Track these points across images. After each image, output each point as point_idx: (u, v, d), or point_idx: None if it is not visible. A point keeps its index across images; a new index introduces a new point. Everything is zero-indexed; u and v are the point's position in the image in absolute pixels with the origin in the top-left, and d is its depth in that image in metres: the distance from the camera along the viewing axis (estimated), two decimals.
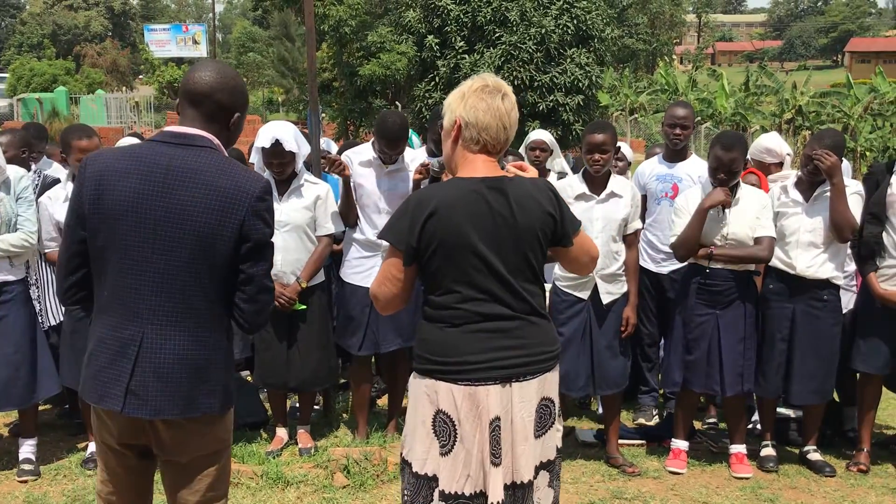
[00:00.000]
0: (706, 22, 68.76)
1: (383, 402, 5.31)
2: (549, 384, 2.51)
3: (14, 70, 37.33)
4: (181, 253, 2.26)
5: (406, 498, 2.49)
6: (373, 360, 4.98)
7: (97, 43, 50.61)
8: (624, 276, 4.25)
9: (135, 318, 2.28)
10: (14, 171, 4.14)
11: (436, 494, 2.41)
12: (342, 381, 5.39)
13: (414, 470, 2.46)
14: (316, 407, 5.02)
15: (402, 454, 2.54)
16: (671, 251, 4.33)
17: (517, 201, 2.43)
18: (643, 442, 4.69)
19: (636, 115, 30.91)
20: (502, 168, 2.54)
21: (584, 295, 4.18)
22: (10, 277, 4.05)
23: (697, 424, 4.80)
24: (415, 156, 4.56)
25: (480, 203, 2.39)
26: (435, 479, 2.41)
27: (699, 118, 27.57)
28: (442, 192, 2.43)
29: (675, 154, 4.95)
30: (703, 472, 4.33)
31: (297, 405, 4.73)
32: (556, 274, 4.28)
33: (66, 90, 28.87)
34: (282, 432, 4.55)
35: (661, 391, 5.21)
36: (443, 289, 2.41)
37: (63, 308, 4.26)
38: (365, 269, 4.49)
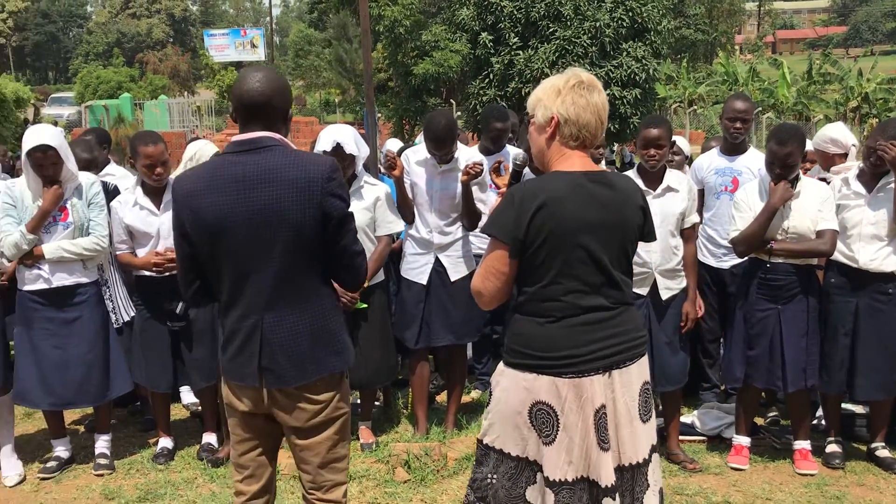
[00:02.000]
0: (767, 10, 67.24)
1: (442, 398, 5.37)
2: (645, 368, 2.59)
3: (81, 78, 38.54)
4: (277, 246, 2.53)
5: (491, 480, 2.53)
6: (431, 357, 5.05)
7: (159, 49, 51.86)
8: (682, 271, 4.22)
9: (254, 308, 2.58)
10: (86, 178, 4.31)
11: (538, 478, 2.47)
12: (400, 377, 5.47)
13: (508, 452, 2.51)
14: (376, 403, 5.10)
15: (483, 441, 2.58)
16: (731, 246, 4.29)
17: (619, 195, 2.49)
18: (704, 438, 4.66)
19: (695, 107, 30.40)
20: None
21: (643, 291, 4.17)
22: (84, 279, 4.23)
23: (759, 420, 4.75)
24: (470, 155, 4.60)
25: (586, 196, 2.43)
26: (537, 464, 2.47)
27: (760, 108, 26.98)
28: (548, 185, 2.45)
29: (734, 147, 4.89)
30: (766, 469, 4.28)
31: (359, 402, 4.82)
32: None
33: (130, 96, 29.70)
34: None
35: (722, 387, 5.15)
36: (545, 281, 2.43)
37: (132, 307, 4.41)
38: (419, 265, 4.57)
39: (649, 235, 2.60)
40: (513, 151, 5.14)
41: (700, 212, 4.95)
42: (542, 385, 2.44)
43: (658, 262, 4.14)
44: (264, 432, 2.74)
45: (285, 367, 2.58)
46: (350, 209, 2.64)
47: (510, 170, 2.83)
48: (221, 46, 42.65)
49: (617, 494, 2.43)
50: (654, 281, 4.16)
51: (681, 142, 5.57)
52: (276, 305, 2.57)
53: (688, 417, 4.78)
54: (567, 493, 2.42)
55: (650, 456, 2.55)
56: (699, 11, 35.04)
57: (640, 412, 2.52)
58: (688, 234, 4.25)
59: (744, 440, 4.34)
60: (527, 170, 3.02)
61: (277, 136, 2.58)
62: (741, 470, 4.25)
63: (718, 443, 4.59)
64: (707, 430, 4.68)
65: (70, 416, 4.92)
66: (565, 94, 2.47)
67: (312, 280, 2.62)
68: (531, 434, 2.47)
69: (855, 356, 4.13)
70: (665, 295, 4.17)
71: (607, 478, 2.43)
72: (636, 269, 4.08)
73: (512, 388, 2.49)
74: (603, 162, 5.32)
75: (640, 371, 2.55)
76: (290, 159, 2.55)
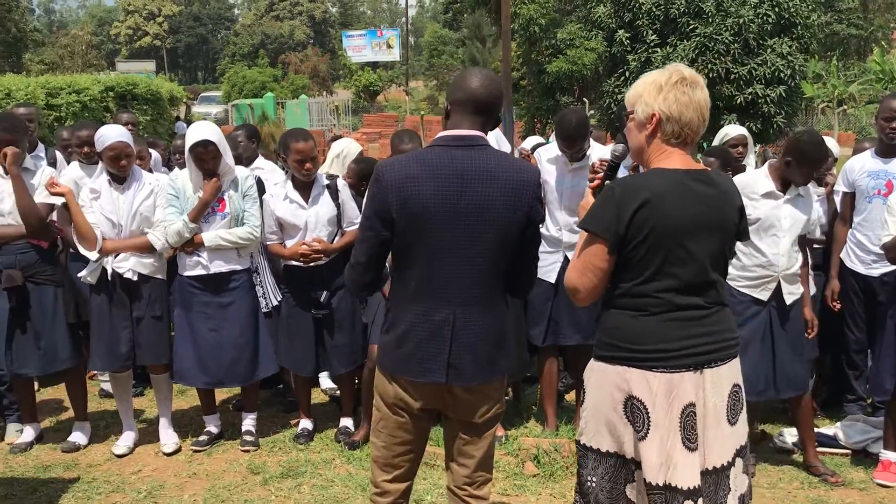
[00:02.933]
0: None
1: (571, 396, 5.38)
2: (736, 370, 2.54)
3: (228, 78, 40.58)
4: (483, 243, 2.55)
5: (591, 484, 2.51)
6: (560, 356, 5.08)
7: (300, 50, 53.87)
8: (799, 278, 4.14)
9: (446, 302, 2.58)
10: (241, 171, 4.59)
11: (637, 477, 2.44)
12: (529, 375, 5.52)
13: (606, 450, 2.49)
14: (506, 398, 5.17)
15: (581, 442, 2.56)
16: (882, 252, 4.09)
17: (720, 193, 2.47)
18: (848, 452, 4.46)
19: (845, 107, 28.79)
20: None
21: (764, 296, 4.06)
22: (238, 267, 4.51)
23: None
24: (604, 153, 4.59)
25: (689, 194, 2.41)
26: (635, 462, 2.44)
27: None
28: (651, 181, 2.43)
29: (890, 149, 4.64)
30: None
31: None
32: (732, 274, 4.16)
33: (273, 96, 31.04)
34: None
35: (869, 400, 4.92)
36: (643, 278, 2.42)
37: (279, 294, 4.66)
38: (548, 263, 4.59)
39: (744, 234, 2.59)
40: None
41: (850, 215, 4.76)
42: (634, 379, 2.42)
43: (784, 265, 4.02)
44: (424, 432, 2.78)
45: (469, 364, 2.60)
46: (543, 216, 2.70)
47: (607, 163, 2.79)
48: (359, 47, 43.89)
49: (700, 499, 2.37)
50: (777, 286, 4.04)
51: (829, 143, 5.33)
52: (469, 302, 2.58)
53: (830, 429, 4.60)
54: (658, 497, 2.38)
55: (734, 460, 2.50)
56: (853, 5, 33.13)
57: (727, 414, 2.48)
58: (806, 242, 4.23)
59: (893, 456, 4.14)
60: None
61: (486, 137, 2.63)
62: (889, 487, 4.06)
63: (864, 457, 4.40)
64: (852, 444, 4.48)
65: (220, 394, 5.24)
66: (667, 91, 2.43)
67: (501, 282, 2.66)
68: (627, 429, 2.45)
69: None
70: (789, 300, 4.07)
71: (691, 480, 2.37)
72: (761, 273, 4.02)
73: (604, 383, 2.49)
74: (750, 168, 5.17)
75: (730, 372, 2.51)
76: (505, 161, 2.60)
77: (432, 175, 2.52)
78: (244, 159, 5.34)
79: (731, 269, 4.12)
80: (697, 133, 2.47)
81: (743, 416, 2.56)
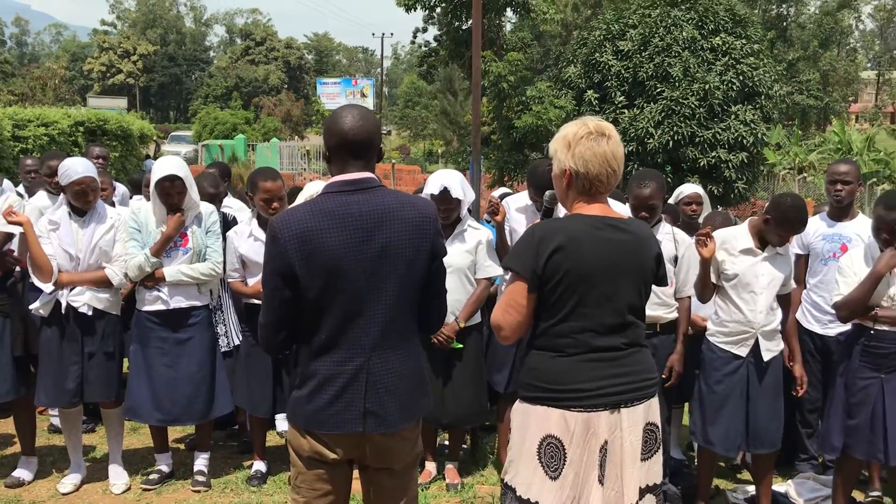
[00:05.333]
0: (886, 79, 65.09)
1: None
2: (653, 410, 2.63)
3: (200, 118, 40.58)
4: (392, 284, 2.52)
5: None
6: None
7: (274, 95, 54.16)
8: (779, 334, 4.19)
9: (360, 350, 2.52)
10: (205, 207, 4.59)
11: None
12: (488, 423, 5.50)
13: (518, 494, 2.57)
14: (463, 446, 5.15)
15: (504, 480, 2.65)
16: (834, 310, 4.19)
17: (635, 240, 2.58)
18: None
19: (805, 174, 29.55)
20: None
21: (742, 352, 4.13)
22: (198, 303, 4.48)
23: (859, 496, 4.56)
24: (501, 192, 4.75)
25: (603, 240, 2.53)
26: None
27: (874, 180, 26.01)
28: (569, 226, 2.56)
29: (841, 212, 4.79)
30: None
31: (447, 442, 4.88)
32: (711, 329, 4.25)
33: (244, 137, 31.10)
34: (431, 466, 4.71)
35: (820, 460, 4.98)
36: (559, 318, 2.53)
37: (240, 332, 4.63)
38: None
39: (662, 280, 2.69)
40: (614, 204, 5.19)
41: (803, 278, 4.87)
42: (553, 418, 2.51)
43: (762, 322, 4.09)
44: (346, 481, 2.68)
45: (391, 409, 2.55)
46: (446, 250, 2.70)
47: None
48: (333, 94, 44.25)
49: None
50: (755, 342, 4.11)
51: None
52: (382, 346, 2.53)
53: (782, 486, 4.64)
54: None
55: (644, 495, 2.59)
56: (813, 77, 34.27)
57: (641, 451, 2.58)
58: (787, 301, 4.27)
59: None
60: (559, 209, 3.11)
61: (377, 178, 2.57)
62: None
63: None
64: (802, 501, 4.52)
65: (173, 433, 5.15)
66: (574, 147, 2.55)
67: (413, 320, 2.64)
68: (539, 469, 2.54)
69: None
70: (767, 356, 4.12)
71: None
72: (738, 329, 4.10)
73: (526, 422, 2.57)
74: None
75: (647, 411, 2.60)
76: (402, 199, 2.57)
77: (333, 225, 2.45)
78: (219, 198, 5.34)
79: (709, 325, 4.23)
80: (609, 184, 2.59)
81: (658, 456, 2.64)
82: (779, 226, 4.03)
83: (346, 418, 2.52)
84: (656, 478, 2.64)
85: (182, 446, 5.24)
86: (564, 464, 2.50)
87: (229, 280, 4.60)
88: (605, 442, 2.51)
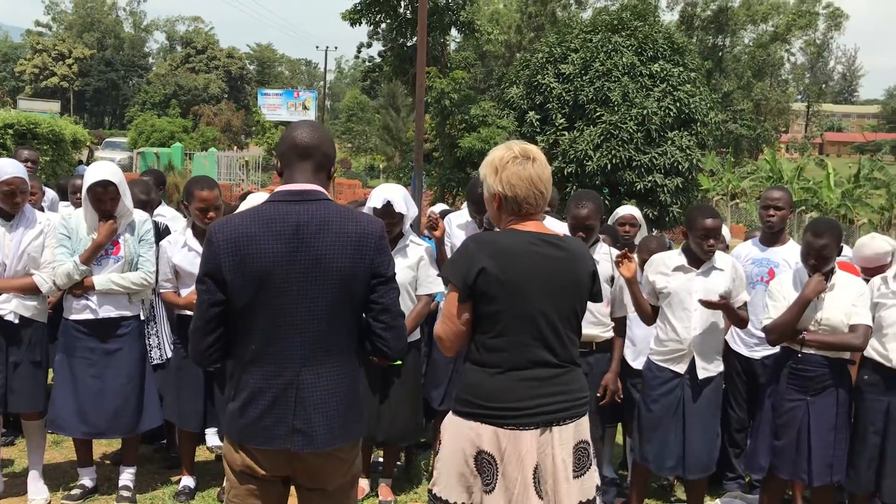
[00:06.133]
0: (815, 111, 67.54)
1: None
2: (583, 428, 2.67)
3: (136, 125, 39.77)
4: (326, 298, 2.46)
5: None
6: None
7: (214, 104, 53.43)
8: (720, 355, 4.26)
9: (289, 364, 2.46)
10: (139, 215, 4.48)
11: None
12: (423, 441, 5.47)
13: (454, 502, 2.58)
14: (398, 463, 5.11)
15: (433, 492, 2.65)
16: (763, 335, 4.29)
17: (570, 256, 2.63)
18: None
19: (737, 201, 30.42)
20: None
21: (680, 369, 4.19)
22: (128, 313, 4.35)
23: None
24: (553, 226, 4.76)
25: (537, 255, 2.57)
26: None
27: (803, 207, 26.92)
28: (501, 239, 2.60)
29: (772, 238, 4.93)
30: None
31: (381, 459, 4.83)
32: (652, 348, 4.31)
33: (181, 146, 30.58)
34: (364, 483, 4.65)
35: (747, 479, 5.08)
36: (495, 332, 2.55)
37: (172, 345, 4.52)
38: None
39: (597, 296, 2.74)
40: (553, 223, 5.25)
41: None
42: (485, 434, 2.54)
43: (697, 341, 4.15)
44: (278, 499, 2.62)
45: (318, 428, 2.47)
46: (395, 270, 2.63)
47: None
48: (274, 106, 43.80)
49: None
50: (692, 360, 4.18)
51: (723, 229, 5.61)
52: (313, 362, 2.47)
53: None
54: None
55: None
56: (747, 107, 35.33)
57: (574, 469, 2.61)
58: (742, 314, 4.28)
59: None
60: None
61: (325, 191, 2.54)
62: None
63: None
64: None
65: (98, 447, 4.99)
66: (501, 171, 2.62)
67: (350, 339, 2.56)
68: (476, 482, 2.56)
69: (885, 457, 4.06)
70: (702, 374, 4.18)
71: None
72: (673, 346, 4.16)
73: (458, 436, 2.59)
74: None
75: (578, 430, 2.64)
76: (346, 214, 2.53)
77: (269, 232, 2.42)
78: (151, 206, 5.22)
79: (651, 345, 4.27)
80: (537, 206, 2.64)
81: (590, 473, 2.67)
82: (689, 230, 4.14)
83: (275, 434, 2.47)
84: (590, 493, 2.67)
85: (108, 461, 5.08)
86: (497, 479, 2.52)
87: (161, 291, 4.49)
88: (538, 460, 2.53)
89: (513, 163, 2.61)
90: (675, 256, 4.26)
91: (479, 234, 2.76)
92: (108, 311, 4.28)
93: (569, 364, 2.63)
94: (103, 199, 4.22)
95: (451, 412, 2.66)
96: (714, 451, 4.29)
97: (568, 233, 4.54)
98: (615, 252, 4.43)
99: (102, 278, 4.26)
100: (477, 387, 2.58)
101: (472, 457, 2.55)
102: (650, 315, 4.31)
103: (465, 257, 2.58)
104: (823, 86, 78.29)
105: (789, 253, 4.84)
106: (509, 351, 2.55)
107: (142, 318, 4.43)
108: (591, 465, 2.68)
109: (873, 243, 4.88)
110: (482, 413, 2.56)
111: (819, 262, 4.00)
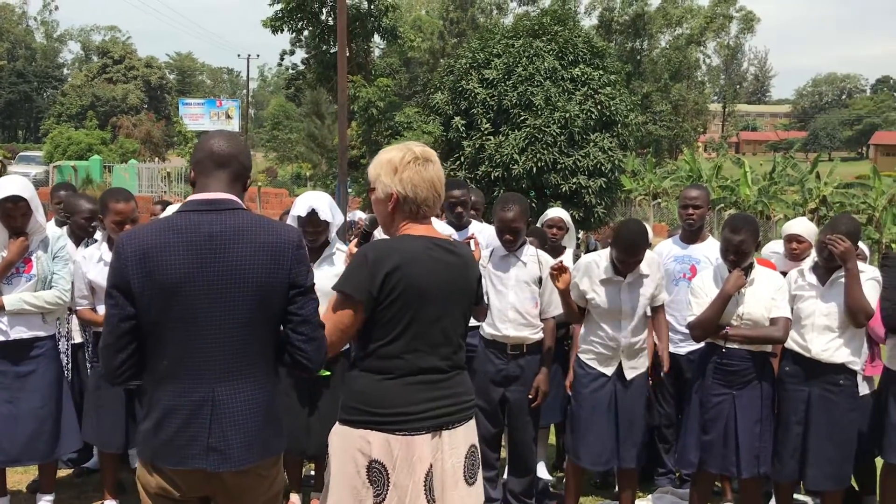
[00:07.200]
0: (731, 111, 69.69)
1: None
2: (472, 431, 2.68)
3: (52, 138, 38.43)
4: (241, 310, 2.37)
5: None
6: None
7: (133, 115, 52.08)
8: (645, 351, 4.33)
9: (203, 379, 2.36)
10: (52, 231, 4.31)
11: None
12: None
13: None
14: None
15: None
16: (688, 331, 4.37)
17: (461, 261, 2.65)
18: None
19: (659, 200, 31.14)
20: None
21: (609, 371, 4.26)
22: (42, 333, 4.17)
23: None
24: (481, 229, 4.85)
25: (435, 260, 2.58)
26: None
27: (722, 205, 27.73)
28: (402, 246, 2.58)
29: (692, 235, 5.04)
30: None
31: (313, 472, 4.75)
32: (582, 348, 4.36)
33: (100, 159, 29.69)
34: (295, 498, 4.56)
35: (678, 473, 5.16)
36: (389, 338, 2.53)
37: (90, 364, 4.35)
38: None
39: (481, 301, 2.79)
40: (478, 227, 5.26)
41: None
42: (375, 442, 2.50)
43: (627, 343, 4.23)
44: None
45: (235, 445, 2.38)
46: (313, 280, 2.54)
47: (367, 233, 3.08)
48: (196, 115, 42.91)
49: None
50: (620, 361, 4.24)
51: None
52: (229, 377, 2.37)
53: (642, 501, 4.78)
54: None
55: None
56: (665, 108, 36.20)
57: (465, 475, 2.61)
58: (658, 311, 4.42)
59: None
60: (377, 232, 3.15)
61: (240, 201, 2.46)
62: None
63: None
64: None
65: (13, 474, 4.77)
66: (402, 171, 2.60)
67: (268, 353, 2.47)
68: (368, 493, 2.51)
69: (807, 445, 4.17)
70: (630, 375, 4.27)
71: None
72: (604, 350, 4.22)
73: (348, 447, 2.54)
74: (570, 250, 5.42)
75: (466, 434, 2.65)
76: (261, 223, 2.44)
77: (178, 242, 2.33)
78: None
79: (581, 343, 4.31)
80: (434, 208, 2.66)
81: (481, 478, 2.69)
82: (614, 249, 4.20)
83: (190, 453, 2.36)
84: (480, 499, 2.68)
85: (24, 489, 4.85)
86: (388, 488, 2.48)
87: (77, 308, 4.32)
88: (430, 466, 2.52)
89: (414, 163, 2.60)
90: (605, 267, 4.28)
91: (374, 242, 2.70)
92: (20, 332, 4.10)
93: (457, 368, 2.65)
94: (13, 215, 4.04)
95: (337, 422, 2.59)
96: (643, 445, 4.41)
97: (452, 233, 4.59)
98: (542, 254, 4.45)
99: (14, 298, 4.07)
100: (366, 394, 2.54)
101: (364, 467, 2.50)
102: (579, 318, 4.36)
103: (365, 268, 2.52)
104: (738, 87, 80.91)
105: (710, 249, 4.95)
106: (403, 357, 2.53)
107: (57, 337, 4.25)
108: (479, 469, 2.69)
109: (796, 220, 5.16)
110: (372, 420, 2.51)
111: (738, 257, 4.09)
